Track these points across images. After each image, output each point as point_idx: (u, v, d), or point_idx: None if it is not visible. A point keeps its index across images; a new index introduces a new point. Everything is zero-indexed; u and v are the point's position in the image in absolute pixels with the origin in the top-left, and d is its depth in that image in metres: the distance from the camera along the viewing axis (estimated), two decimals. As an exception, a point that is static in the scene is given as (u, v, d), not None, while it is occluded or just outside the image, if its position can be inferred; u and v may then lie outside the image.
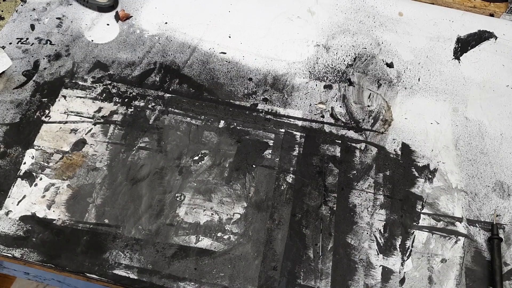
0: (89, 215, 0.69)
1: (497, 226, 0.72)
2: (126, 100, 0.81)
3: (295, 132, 0.80)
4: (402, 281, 0.68)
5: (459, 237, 0.72)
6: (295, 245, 0.69)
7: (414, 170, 0.78)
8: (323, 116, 0.82)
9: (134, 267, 0.66)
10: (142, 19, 0.92)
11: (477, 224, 0.73)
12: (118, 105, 0.80)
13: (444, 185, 0.76)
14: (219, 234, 0.69)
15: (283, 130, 0.80)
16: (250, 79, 0.86)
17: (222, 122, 0.80)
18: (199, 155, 0.76)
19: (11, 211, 0.69)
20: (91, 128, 0.77)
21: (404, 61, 0.91)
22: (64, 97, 0.80)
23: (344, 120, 0.82)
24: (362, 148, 0.79)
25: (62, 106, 0.79)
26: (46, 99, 0.79)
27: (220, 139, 0.78)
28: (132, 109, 0.80)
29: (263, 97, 0.84)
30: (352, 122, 0.82)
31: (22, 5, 0.91)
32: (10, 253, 0.66)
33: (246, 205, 0.72)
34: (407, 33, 0.95)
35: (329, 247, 0.70)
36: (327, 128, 0.81)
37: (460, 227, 0.73)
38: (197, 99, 0.82)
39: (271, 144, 0.78)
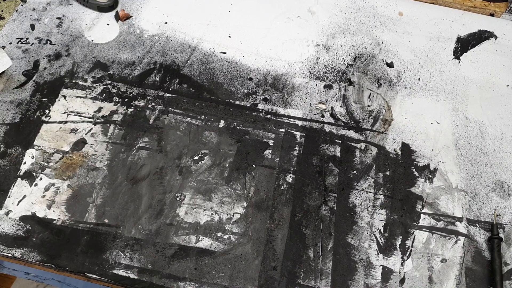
0: (89, 215, 0.69)
1: (497, 226, 0.72)
2: (126, 100, 0.81)
3: (295, 132, 0.80)
4: (402, 281, 0.68)
5: (459, 237, 0.72)
6: (295, 245, 0.69)
7: (414, 170, 0.78)
8: (323, 116, 0.82)
9: (134, 267, 0.66)
10: (142, 19, 0.92)
11: (477, 224, 0.73)
12: (118, 105, 0.80)
13: (444, 185, 0.76)
14: (219, 234, 0.69)
15: (283, 130, 0.80)
16: (250, 79, 0.86)
17: (222, 122, 0.80)
18: (199, 155, 0.76)
19: (11, 211, 0.69)
20: (91, 128, 0.77)
21: (404, 61, 0.91)
22: (64, 97, 0.80)
23: (344, 120, 0.82)
24: (362, 148, 0.79)
25: (62, 106, 0.79)
26: (46, 99, 0.79)
27: (220, 139, 0.78)
28: (132, 109, 0.80)
29: (263, 97, 0.84)
30: (352, 122, 0.82)
31: (22, 5, 0.91)
32: (10, 253, 0.66)
33: (246, 205, 0.72)
34: (407, 33, 0.95)
35: (329, 247, 0.70)
36: (327, 128, 0.81)
37: (460, 227, 0.73)
38: (197, 99, 0.82)
39: (271, 144, 0.78)
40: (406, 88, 0.87)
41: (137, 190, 0.72)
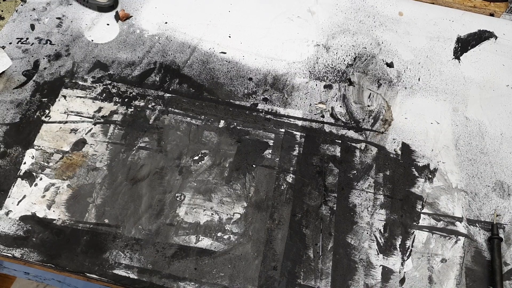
0: (89, 215, 0.69)
1: (497, 226, 0.72)
2: (126, 100, 0.81)
3: (295, 132, 0.80)
4: (402, 281, 0.68)
5: (459, 237, 0.72)
6: (295, 245, 0.69)
7: (414, 170, 0.78)
8: (323, 116, 0.82)
9: (134, 267, 0.66)
10: (142, 19, 0.92)
11: (477, 224, 0.73)
12: (118, 105, 0.80)
13: (444, 185, 0.76)
14: (219, 234, 0.69)
15: (283, 130, 0.80)
16: (250, 79, 0.86)
17: (222, 122, 0.80)
18: (199, 155, 0.76)
19: (11, 211, 0.69)
20: (91, 128, 0.77)
21: (404, 61, 0.91)
22: (64, 97, 0.80)
23: (344, 120, 0.82)
24: (362, 148, 0.79)
25: (62, 106, 0.79)
26: (46, 99, 0.79)
27: (220, 139, 0.78)
28: (132, 109, 0.80)
29: (263, 97, 0.84)
30: (352, 122, 0.82)
31: (22, 5, 0.91)
32: (10, 253, 0.66)
33: (246, 205, 0.72)
34: (407, 33, 0.95)
35: (329, 247, 0.70)
36: (327, 128, 0.81)
37: (460, 227, 0.73)
38: (197, 99, 0.82)
39: (271, 144, 0.78)
40: (406, 88, 0.87)
41: (137, 190, 0.72)
